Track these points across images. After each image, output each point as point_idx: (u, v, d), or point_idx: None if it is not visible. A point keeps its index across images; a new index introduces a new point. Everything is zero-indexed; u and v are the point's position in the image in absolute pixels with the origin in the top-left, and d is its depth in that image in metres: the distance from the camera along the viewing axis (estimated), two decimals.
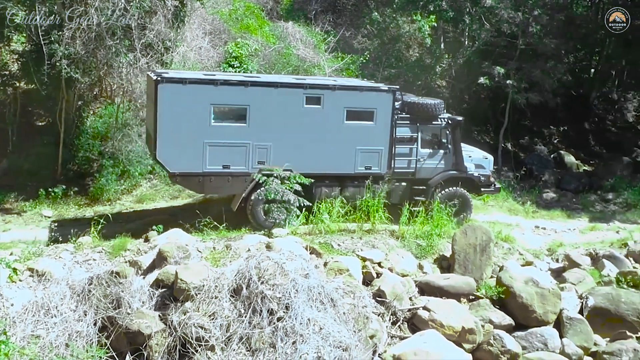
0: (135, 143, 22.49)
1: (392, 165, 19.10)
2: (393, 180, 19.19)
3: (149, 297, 14.09)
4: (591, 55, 37.15)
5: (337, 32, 31.99)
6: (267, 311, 13.18)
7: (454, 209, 19.11)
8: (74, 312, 13.72)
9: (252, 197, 17.74)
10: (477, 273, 16.95)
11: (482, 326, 15.32)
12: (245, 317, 13.22)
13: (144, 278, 14.60)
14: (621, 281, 17.45)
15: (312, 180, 17.74)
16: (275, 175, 17.37)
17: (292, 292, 13.35)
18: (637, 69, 35.58)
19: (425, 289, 16.25)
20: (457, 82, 30.95)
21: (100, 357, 13.15)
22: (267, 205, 17.43)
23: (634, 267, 18.40)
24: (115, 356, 13.37)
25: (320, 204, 17.95)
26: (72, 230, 16.65)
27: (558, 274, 17.97)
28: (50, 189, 20.83)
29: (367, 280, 15.97)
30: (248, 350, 12.94)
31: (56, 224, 19.06)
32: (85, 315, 13.70)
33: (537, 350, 15.54)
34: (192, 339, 13.01)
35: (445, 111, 20.15)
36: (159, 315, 13.68)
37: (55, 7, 19.59)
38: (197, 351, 12.96)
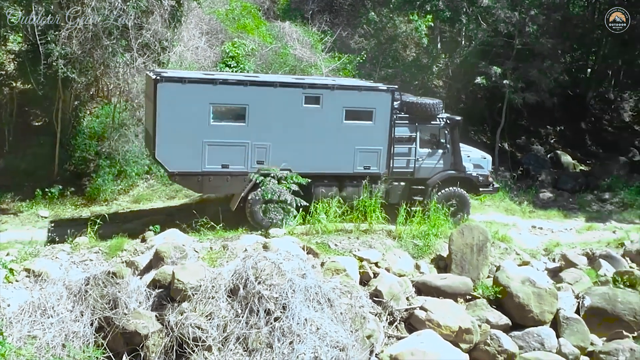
0: (132, 143, 22.46)
1: (391, 165, 19.12)
2: (392, 180, 19.21)
3: (145, 298, 14.06)
4: (588, 55, 37.17)
5: (333, 32, 32.00)
6: (264, 311, 13.18)
7: (453, 209, 19.14)
8: (70, 313, 13.70)
9: (250, 197, 17.75)
10: (474, 273, 16.95)
11: (479, 326, 15.33)
12: (242, 317, 13.21)
13: (140, 278, 14.58)
14: (618, 281, 17.45)
15: (310, 180, 17.74)
16: (272, 175, 17.37)
17: (289, 292, 13.35)
18: (634, 69, 35.58)
19: (422, 288, 16.26)
20: (453, 82, 30.95)
21: (97, 358, 13.14)
22: (265, 205, 17.43)
23: (631, 267, 18.40)
24: (112, 356, 13.35)
25: (318, 203, 17.95)
26: (68, 231, 16.62)
27: (555, 274, 17.98)
28: (46, 189, 20.82)
29: (364, 280, 15.96)
30: (245, 351, 12.94)
31: (53, 224, 19.04)
32: (82, 315, 13.67)
33: (534, 350, 15.54)
34: (189, 339, 13.00)
35: (443, 111, 20.16)
36: (156, 316, 13.66)
37: (52, 7, 19.58)
38: (194, 351, 12.95)
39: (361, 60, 29.23)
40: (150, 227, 16.89)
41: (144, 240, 16.34)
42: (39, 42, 19.21)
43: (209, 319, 13.23)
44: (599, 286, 17.25)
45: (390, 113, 18.78)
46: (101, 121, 23.35)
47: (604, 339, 16.11)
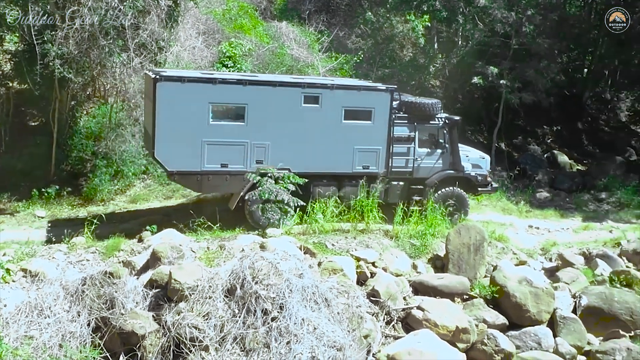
0: (128, 143, 22.40)
1: (390, 165, 19.13)
2: (391, 179, 19.23)
3: (142, 298, 14.05)
4: (584, 55, 37.26)
5: (330, 32, 32.00)
6: (261, 311, 13.17)
7: (451, 209, 19.18)
8: (67, 313, 13.67)
9: (246, 197, 17.75)
10: (471, 272, 16.97)
11: (476, 325, 15.34)
12: (239, 317, 13.20)
13: (137, 278, 14.56)
14: (614, 280, 17.50)
15: (307, 180, 17.74)
16: (269, 175, 17.37)
17: (286, 292, 13.34)
18: (630, 69, 35.67)
19: (419, 288, 16.27)
20: (450, 82, 30.99)
21: (94, 358, 13.11)
22: (263, 204, 17.42)
23: (627, 267, 18.46)
24: (109, 357, 13.32)
25: (315, 203, 17.95)
26: (65, 231, 16.61)
27: (551, 274, 18.02)
28: (43, 189, 20.78)
29: (361, 280, 15.96)
30: (242, 351, 12.92)
31: (49, 225, 19.01)
32: (79, 315, 13.65)
33: (531, 349, 15.57)
34: (186, 339, 12.98)
35: (442, 111, 20.18)
36: (153, 316, 13.64)
37: (49, 6, 19.54)
38: (191, 351, 12.92)
39: (358, 60, 29.26)
40: (147, 227, 16.90)
41: (140, 240, 16.33)
42: (35, 42, 19.17)
43: (206, 319, 13.21)
44: (595, 286, 17.30)
45: (389, 113, 18.81)
46: (98, 121, 23.32)
47: (601, 338, 16.15)
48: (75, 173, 22.22)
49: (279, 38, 29.68)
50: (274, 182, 17.26)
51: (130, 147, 22.40)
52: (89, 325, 13.60)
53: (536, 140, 34.10)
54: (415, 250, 17.65)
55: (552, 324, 16.12)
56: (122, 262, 15.21)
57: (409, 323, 15.26)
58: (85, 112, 23.93)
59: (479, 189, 20.77)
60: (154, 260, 14.85)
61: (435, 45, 31.07)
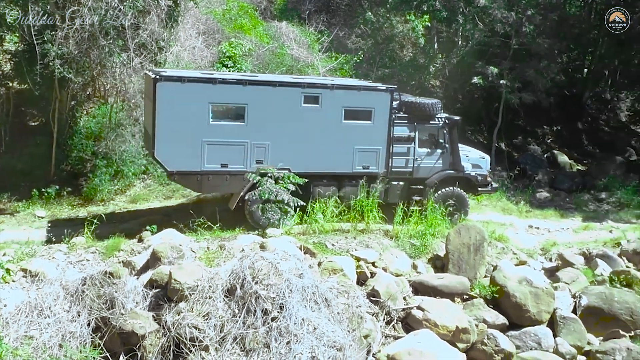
0: (128, 143, 22.39)
1: (390, 165, 19.13)
2: (391, 179, 19.23)
3: (142, 298, 14.05)
4: (584, 55, 37.26)
5: (330, 32, 32.00)
6: (261, 311, 13.16)
7: (451, 209, 19.19)
8: (67, 313, 13.67)
9: (246, 197, 17.74)
10: (470, 272, 16.97)
11: (476, 325, 15.34)
12: (239, 317, 13.19)
13: (137, 278, 14.56)
14: (614, 280, 17.50)
15: (307, 180, 17.74)
16: (269, 175, 17.37)
17: (286, 292, 13.33)
18: (630, 69, 35.67)
19: (419, 288, 16.26)
20: (450, 82, 30.99)
21: (94, 358, 13.11)
22: (263, 204, 17.42)
23: (627, 267, 18.46)
24: (109, 357, 13.32)
25: (315, 203, 17.95)
26: (65, 231, 16.60)
27: (551, 274, 18.02)
28: (43, 189, 20.77)
29: (361, 280, 15.96)
30: (242, 351, 12.92)
31: (49, 225, 19.01)
32: (79, 315, 13.65)
33: (531, 349, 15.57)
34: (186, 339, 12.97)
35: (442, 111, 20.18)
36: (153, 316, 13.64)
37: (49, 6, 19.54)
38: (191, 351, 12.92)
39: (358, 60, 29.26)
40: (147, 227, 16.90)
41: (140, 240, 16.33)
42: (35, 42, 19.17)
43: (206, 319, 13.21)
44: (595, 286, 17.30)
45: (389, 113, 18.82)
46: (98, 121, 23.32)
47: (601, 338, 16.15)
48: (75, 173, 22.22)
49: (279, 38, 29.67)
50: (273, 182, 17.26)
51: (130, 147, 22.40)
52: (89, 325, 13.60)
53: (536, 140, 34.11)
54: (415, 250, 17.65)
55: (552, 324, 16.12)
56: (122, 262, 15.21)
57: (409, 323, 15.25)
58: (85, 112, 23.94)
59: (479, 189, 20.77)
60: (154, 260, 14.85)
61: (435, 45, 31.07)
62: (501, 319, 15.87)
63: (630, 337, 15.91)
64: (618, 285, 17.28)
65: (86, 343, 13.35)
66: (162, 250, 14.87)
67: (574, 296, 16.86)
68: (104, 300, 13.75)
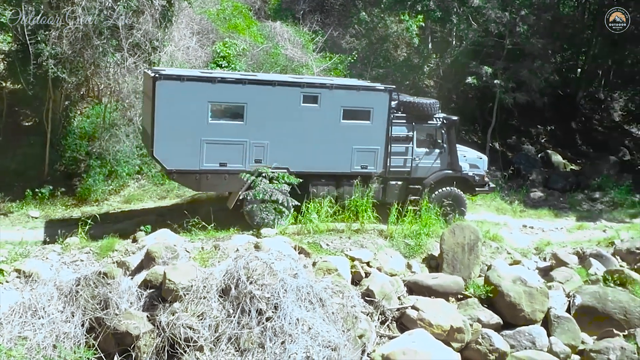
0: (122, 143, 22.32)
1: (388, 165, 19.15)
2: (389, 179, 19.24)
3: (137, 298, 14.02)
4: (578, 55, 37.36)
5: (325, 32, 32.02)
6: (256, 311, 13.17)
7: (449, 209, 19.22)
8: (61, 313, 13.63)
9: (243, 196, 17.72)
10: (465, 272, 16.99)
11: (471, 325, 15.36)
12: (234, 317, 13.20)
13: (132, 279, 14.54)
14: (608, 280, 17.51)
15: (301, 180, 17.74)
16: (264, 175, 17.36)
17: (281, 292, 13.34)
18: (624, 69, 35.81)
19: (414, 288, 16.28)
20: (444, 82, 31.04)
21: (88, 359, 13.09)
22: (258, 204, 17.40)
23: (621, 266, 18.49)
24: (103, 357, 13.30)
25: (309, 203, 17.96)
26: (59, 231, 16.56)
27: (546, 273, 18.05)
28: (37, 190, 20.73)
29: (356, 280, 15.96)
30: (237, 351, 12.92)
31: (43, 225, 18.95)
32: (73, 316, 13.62)
33: (525, 348, 15.57)
34: (180, 339, 12.97)
35: (440, 111, 20.22)
36: (147, 316, 13.62)
37: (42, 6, 19.49)
38: (185, 352, 12.92)
39: (352, 60, 29.28)
40: (142, 227, 16.89)
41: (135, 240, 16.30)
42: (28, 42, 19.12)
43: (201, 319, 13.21)
44: (589, 285, 17.32)
45: (387, 113, 18.84)
46: (92, 121, 23.26)
47: (595, 337, 16.16)
48: (69, 173, 22.17)
49: (273, 38, 29.67)
50: (268, 182, 17.25)
51: (125, 147, 22.31)
52: (83, 325, 13.57)
53: (530, 140, 34.19)
54: (410, 250, 17.66)
55: (546, 323, 16.13)
56: (116, 262, 15.18)
57: (403, 323, 15.26)
58: (79, 112, 23.89)
59: (477, 189, 20.80)
60: (148, 260, 14.82)
61: (430, 45, 31.14)
62: (495, 319, 15.88)
63: (624, 336, 15.93)
64: (612, 285, 17.29)
65: (80, 343, 13.32)
66: (156, 251, 14.83)
67: (568, 295, 16.88)
68: (98, 300, 13.72)
